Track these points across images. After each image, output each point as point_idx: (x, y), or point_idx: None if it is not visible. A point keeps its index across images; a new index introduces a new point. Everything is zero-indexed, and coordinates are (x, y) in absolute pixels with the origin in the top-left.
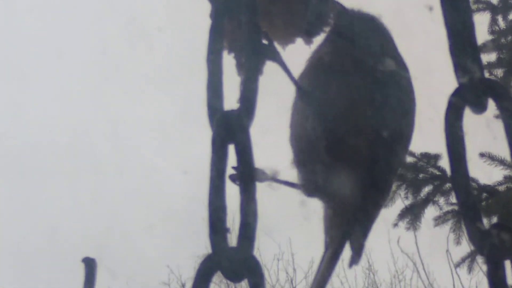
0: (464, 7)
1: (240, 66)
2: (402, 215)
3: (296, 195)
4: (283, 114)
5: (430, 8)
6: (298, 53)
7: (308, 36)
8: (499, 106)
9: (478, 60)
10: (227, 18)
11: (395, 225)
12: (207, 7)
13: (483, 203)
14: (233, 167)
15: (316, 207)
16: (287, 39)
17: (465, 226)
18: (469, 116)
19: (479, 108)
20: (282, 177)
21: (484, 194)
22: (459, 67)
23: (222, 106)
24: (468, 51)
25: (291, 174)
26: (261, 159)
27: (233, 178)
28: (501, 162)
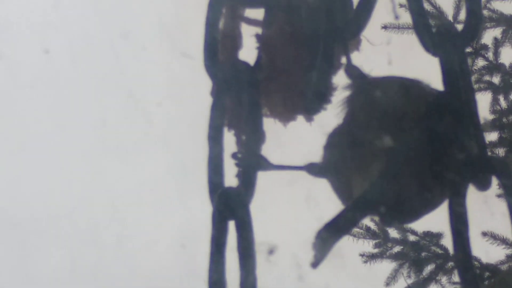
0: (465, 87)
1: (240, 143)
2: None
3: (295, 270)
4: (281, 188)
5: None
6: (299, 130)
7: (308, 113)
8: (501, 183)
9: (481, 138)
10: (228, 96)
11: None
12: (207, 84)
13: (486, 282)
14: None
15: (313, 283)
16: (288, 117)
17: None
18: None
19: (483, 185)
20: (281, 251)
21: (487, 273)
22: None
23: (222, 182)
24: (471, 129)
25: (290, 249)
26: (260, 232)
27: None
28: (503, 241)
